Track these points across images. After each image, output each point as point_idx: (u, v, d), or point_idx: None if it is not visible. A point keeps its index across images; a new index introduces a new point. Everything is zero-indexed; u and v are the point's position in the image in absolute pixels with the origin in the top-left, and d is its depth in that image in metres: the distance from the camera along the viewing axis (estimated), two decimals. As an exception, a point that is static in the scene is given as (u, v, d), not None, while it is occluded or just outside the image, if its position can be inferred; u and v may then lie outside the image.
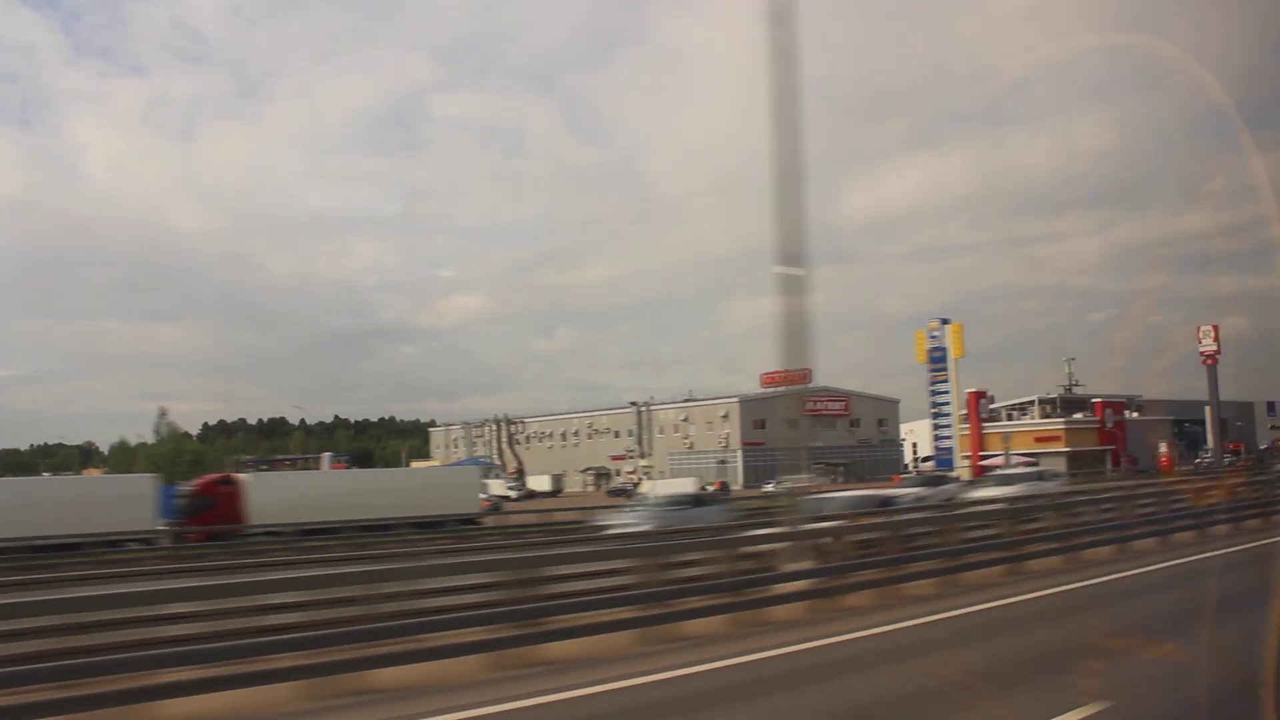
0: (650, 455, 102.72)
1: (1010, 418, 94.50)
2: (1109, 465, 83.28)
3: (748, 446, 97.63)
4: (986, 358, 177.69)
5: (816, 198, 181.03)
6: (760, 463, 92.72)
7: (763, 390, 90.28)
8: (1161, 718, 7.28)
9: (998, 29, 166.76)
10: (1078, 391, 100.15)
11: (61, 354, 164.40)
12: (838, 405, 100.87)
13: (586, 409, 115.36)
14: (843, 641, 11.38)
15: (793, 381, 79.31)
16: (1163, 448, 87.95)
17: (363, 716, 8.77)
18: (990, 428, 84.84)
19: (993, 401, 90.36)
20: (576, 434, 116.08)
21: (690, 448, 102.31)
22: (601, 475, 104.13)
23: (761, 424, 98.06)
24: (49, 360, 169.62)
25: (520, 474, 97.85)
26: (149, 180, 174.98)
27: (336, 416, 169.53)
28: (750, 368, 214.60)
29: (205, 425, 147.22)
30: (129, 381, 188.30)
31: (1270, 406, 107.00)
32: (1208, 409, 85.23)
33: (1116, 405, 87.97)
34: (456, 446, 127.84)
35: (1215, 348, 73.79)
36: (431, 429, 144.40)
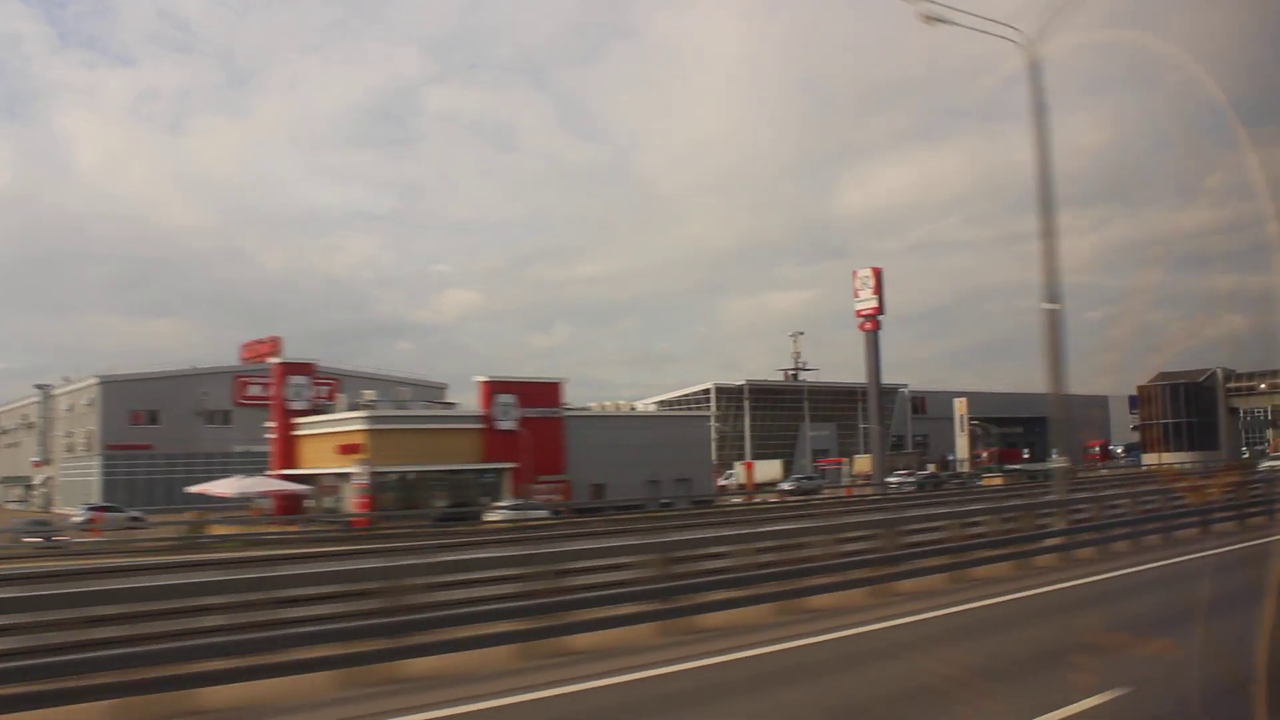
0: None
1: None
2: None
3: (112, 451, 72.40)
4: (987, 355, 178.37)
5: (811, 193, 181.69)
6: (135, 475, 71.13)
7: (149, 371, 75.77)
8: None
9: (994, 25, 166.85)
10: (806, 376, 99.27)
11: (53, 350, 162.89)
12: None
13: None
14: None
15: (263, 354, 67.34)
16: (964, 445, 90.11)
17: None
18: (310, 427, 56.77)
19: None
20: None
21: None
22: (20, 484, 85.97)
23: (149, 416, 75.50)
24: (40, 356, 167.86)
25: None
26: (139, 174, 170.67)
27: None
28: (748, 365, 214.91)
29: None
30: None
31: (1132, 401, 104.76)
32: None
33: (539, 391, 58.45)
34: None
35: (875, 303, 71.34)
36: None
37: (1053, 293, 21.46)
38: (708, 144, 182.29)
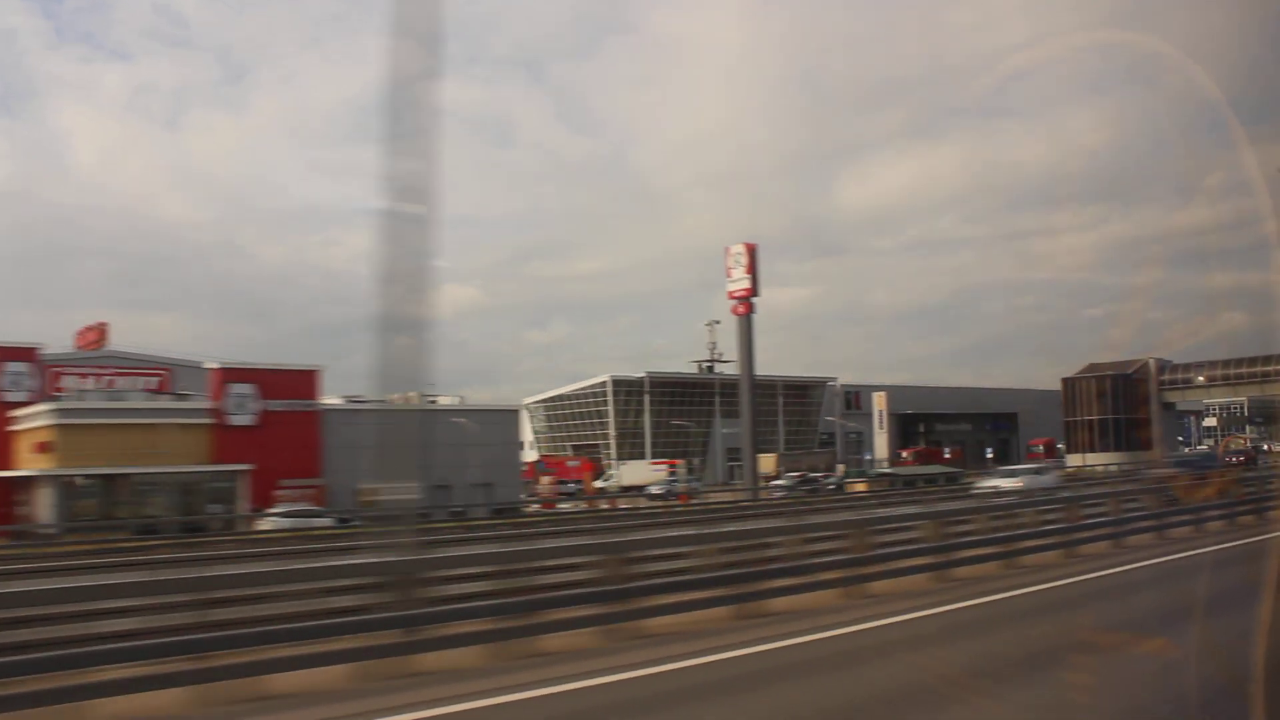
0: None
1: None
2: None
3: None
4: (985, 353, 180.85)
5: (809, 189, 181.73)
6: None
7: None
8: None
9: (994, 22, 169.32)
10: (722, 368, 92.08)
11: (53, 345, 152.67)
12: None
13: None
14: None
15: (93, 342, 57.65)
16: (884, 444, 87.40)
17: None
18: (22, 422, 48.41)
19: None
20: None
21: None
22: None
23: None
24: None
25: None
26: (136, 169, 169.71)
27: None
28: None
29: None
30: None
31: (1070, 386, 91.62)
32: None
33: (286, 380, 51.19)
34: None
35: (748, 284, 65.08)
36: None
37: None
38: (705, 139, 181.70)
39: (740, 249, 65.57)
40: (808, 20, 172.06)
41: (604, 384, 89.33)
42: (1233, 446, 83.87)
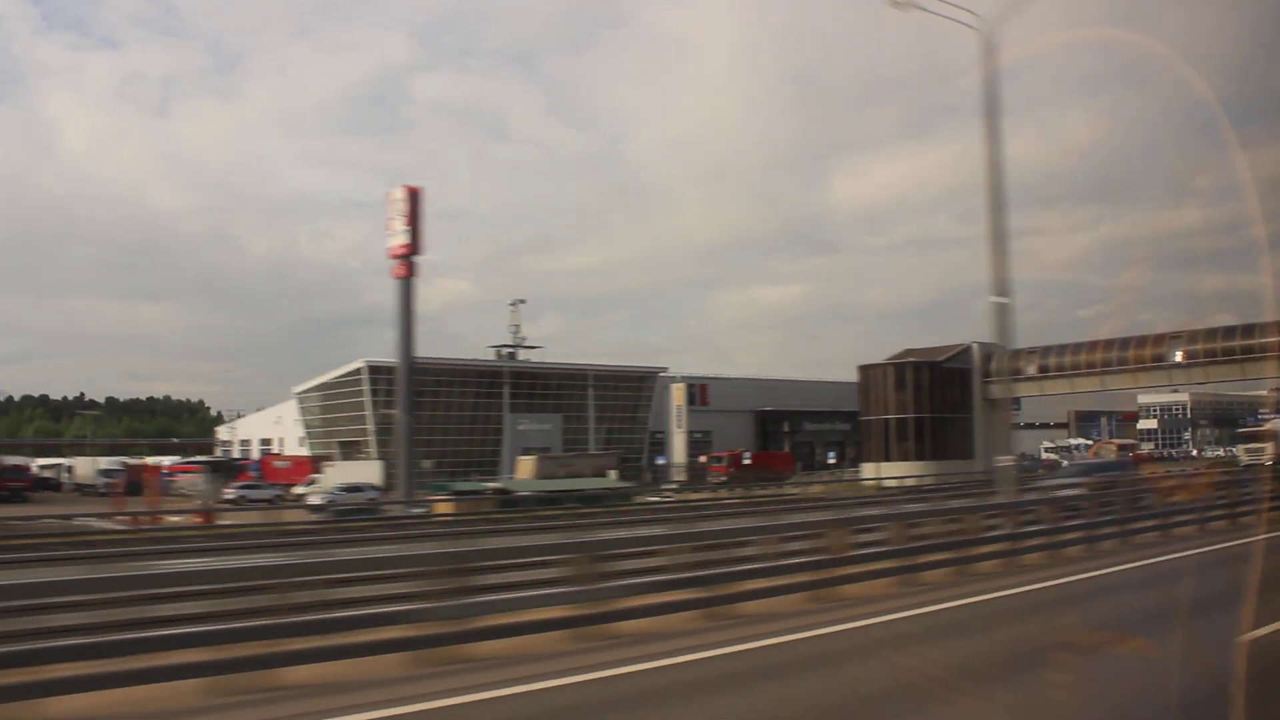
0: None
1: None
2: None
3: None
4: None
5: (802, 187, 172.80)
6: None
7: None
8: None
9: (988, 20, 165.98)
10: (526, 355, 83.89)
11: (41, 334, 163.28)
12: None
13: None
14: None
15: None
16: (682, 445, 75.11)
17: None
18: None
19: None
20: None
21: None
22: None
23: None
24: (28, 339, 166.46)
25: None
26: (126, 157, 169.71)
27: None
28: (740, 358, 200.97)
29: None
30: (111, 362, 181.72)
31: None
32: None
33: None
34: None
35: (408, 239, 51.32)
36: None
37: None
38: (698, 135, 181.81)
39: (401, 194, 52.30)
40: (801, 17, 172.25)
41: (359, 371, 77.17)
42: (1103, 453, 74.99)
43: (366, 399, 75.84)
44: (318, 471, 60.53)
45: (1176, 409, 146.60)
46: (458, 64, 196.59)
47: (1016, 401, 71.75)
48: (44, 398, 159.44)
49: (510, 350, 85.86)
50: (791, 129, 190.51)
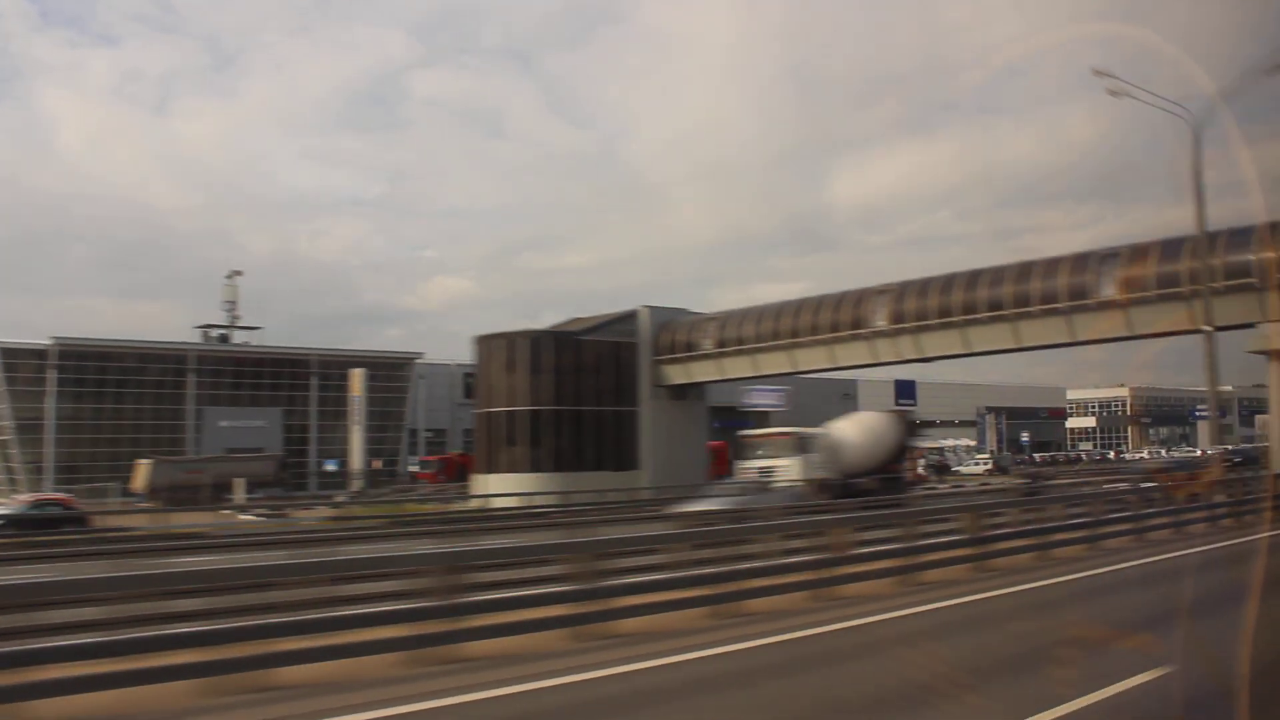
0: None
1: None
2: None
3: None
4: None
5: (801, 184, 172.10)
6: None
7: None
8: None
9: (988, 16, 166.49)
10: (243, 338, 70.24)
11: (38, 333, 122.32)
12: None
13: None
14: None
15: None
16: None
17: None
18: None
19: None
20: None
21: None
22: None
23: None
24: (25, 338, 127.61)
25: None
26: (124, 155, 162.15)
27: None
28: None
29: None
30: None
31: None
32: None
33: None
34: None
35: None
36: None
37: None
38: (697, 132, 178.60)
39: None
40: (800, 14, 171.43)
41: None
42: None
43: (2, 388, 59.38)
44: None
45: (1116, 405, 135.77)
46: (455, 61, 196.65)
47: (699, 389, 52.17)
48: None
49: (223, 332, 70.62)
50: (791, 125, 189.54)
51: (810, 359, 47.26)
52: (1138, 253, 35.94)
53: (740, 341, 49.13)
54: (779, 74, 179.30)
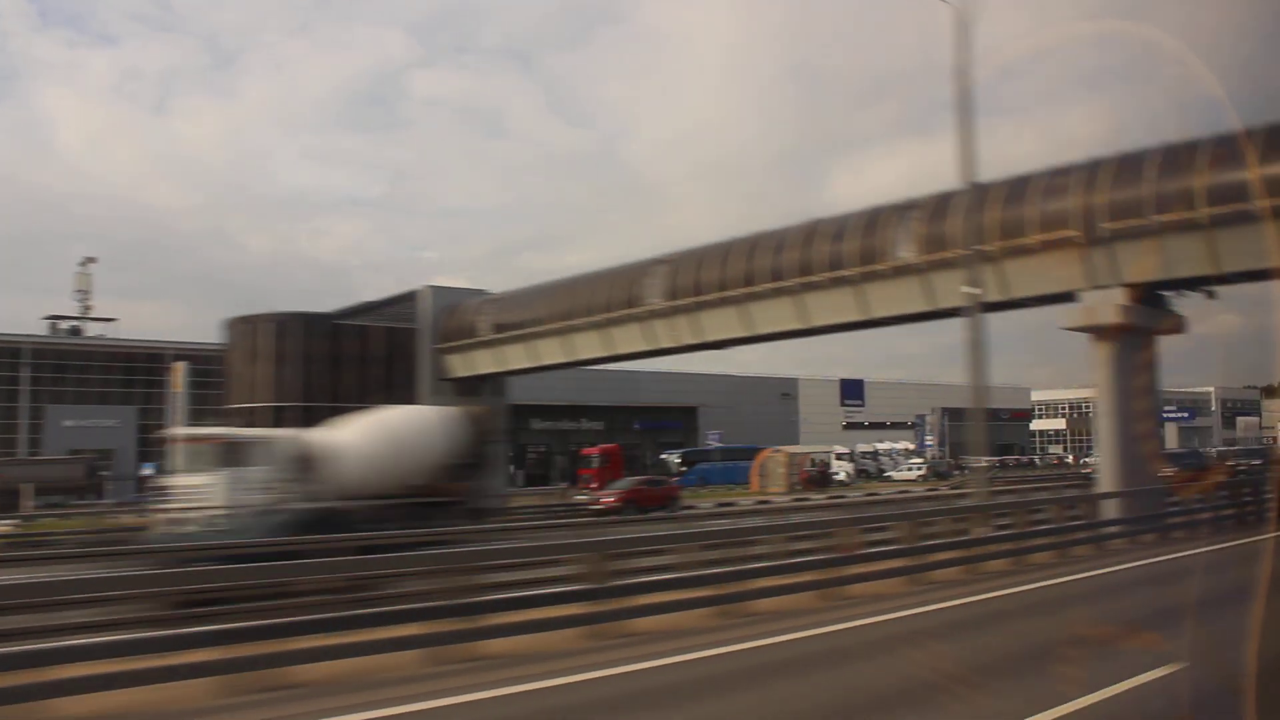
0: None
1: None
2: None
3: None
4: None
5: (801, 184, 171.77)
6: None
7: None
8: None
9: (989, 15, 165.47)
10: (97, 328, 63.71)
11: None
12: None
13: None
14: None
15: None
16: None
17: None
18: None
19: None
20: None
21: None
22: None
23: None
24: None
25: None
26: (123, 155, 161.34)
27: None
28: (736, 358, 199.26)
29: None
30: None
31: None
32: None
33: None
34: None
35: None
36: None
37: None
38: (697, 132, 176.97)
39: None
40: (800, 14, 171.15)
41: None
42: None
43: None
44: None
45: (1087, 406, 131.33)
46: (455, 61, 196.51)
47: (490, 381, 44.77)
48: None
49: (72, 323, 64.32)
50: (791, 125, 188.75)
51: (586, 346, 40.44)
52: (940, 204, 29.31)
53: (519, 326, 42.10)
54: (779, 74, 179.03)
